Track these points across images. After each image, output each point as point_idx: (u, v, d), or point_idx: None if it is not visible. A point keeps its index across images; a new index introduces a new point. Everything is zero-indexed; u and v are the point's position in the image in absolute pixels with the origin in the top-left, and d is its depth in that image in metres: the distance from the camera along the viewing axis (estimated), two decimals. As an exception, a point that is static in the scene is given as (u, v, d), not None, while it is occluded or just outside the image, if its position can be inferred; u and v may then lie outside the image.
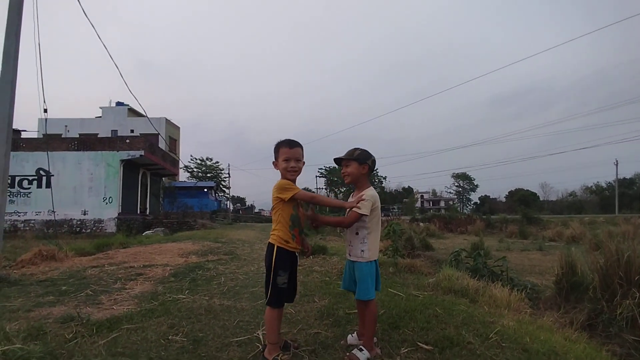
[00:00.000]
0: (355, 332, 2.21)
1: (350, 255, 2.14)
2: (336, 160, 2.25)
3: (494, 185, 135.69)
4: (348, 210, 2.10)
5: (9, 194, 19.51)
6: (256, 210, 71.40)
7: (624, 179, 61.07)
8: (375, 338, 2.12)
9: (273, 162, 2.08)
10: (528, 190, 72.15)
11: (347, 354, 1.96)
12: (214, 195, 37.09)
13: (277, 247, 1.96)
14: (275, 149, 2.08)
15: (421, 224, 27.51)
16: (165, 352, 2.07)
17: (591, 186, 68.71)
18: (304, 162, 2.09)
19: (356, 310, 2.33)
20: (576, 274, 4.99)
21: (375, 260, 2.09)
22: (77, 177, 19.18)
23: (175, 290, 3.64)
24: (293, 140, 2.07)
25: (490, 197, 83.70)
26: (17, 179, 19.14)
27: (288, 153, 2.02)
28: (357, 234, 2.09)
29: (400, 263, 5.03)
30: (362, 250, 2.06)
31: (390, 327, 2.36)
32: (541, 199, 73.88)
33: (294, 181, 2.02)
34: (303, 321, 2.60)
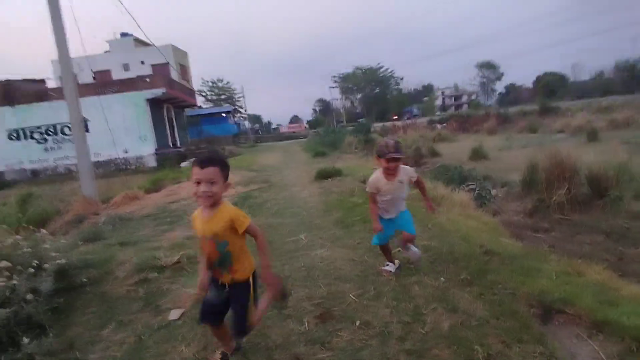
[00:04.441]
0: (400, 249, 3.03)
1: (395, 213, 2.72)
2: (383, 154, 2.54)
3: (522, 71, 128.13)
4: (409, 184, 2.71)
5: (56, 141, 21.76)
6: (274, 127, 73.31)
7: (661, 53, 56.56)
8: None
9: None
10: (557, 73, 69.32)
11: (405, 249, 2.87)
12: (232, 119, 38.60)
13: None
14: None
15: (438, 126, 28.69)
16: (254, 249, 3.94)
17: (622, 64, 64.48)
18: (228, 184, 1.78)
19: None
20: (536, 172, 6.60)
21: None
22: (112, 120, 20.77)
23: (241, 215, 5.54)
24: (209, 157, 1.73)
25: (517, 85, 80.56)
26: (59, 126, 20.95)
27: (199, 174, 1.68)
28: (403, 198, 2.76)
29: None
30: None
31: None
32: (572, 80, 70.76)
33: (209, 208, 1.75)
34: (324, 226, 4.43)
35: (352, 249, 3.55)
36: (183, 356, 2.07)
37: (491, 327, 1.97)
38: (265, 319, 2.38)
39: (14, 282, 2.43)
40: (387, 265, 2.90)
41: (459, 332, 1.96)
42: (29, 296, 2.44)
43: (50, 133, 21.20)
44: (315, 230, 4.34)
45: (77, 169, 21.89)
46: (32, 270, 2.66)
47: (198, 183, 1.68)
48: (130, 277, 3.40)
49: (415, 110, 59.43)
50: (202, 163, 1.68)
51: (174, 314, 2.57)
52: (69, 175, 19.55)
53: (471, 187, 6.46)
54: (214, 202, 1.73)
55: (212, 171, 1.68)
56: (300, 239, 4.06)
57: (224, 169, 1.75)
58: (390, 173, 2.59)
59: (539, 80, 71.42)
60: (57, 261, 2.78)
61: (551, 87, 62.13)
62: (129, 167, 21.47)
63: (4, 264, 2.46)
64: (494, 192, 6.68)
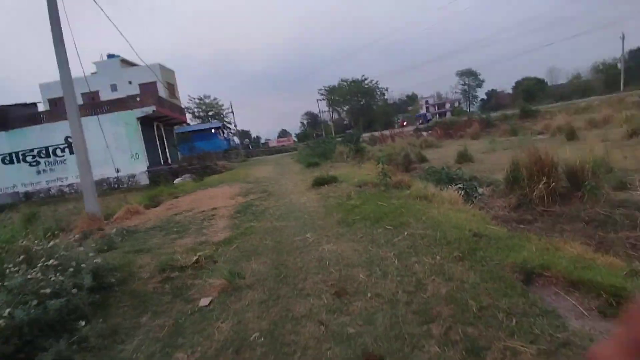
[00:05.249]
0: None
1: None
2: None
3: (502, 77, 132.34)
4: None
5: (48, 163, 21.71)
6: (263, 142, 73.80)
7: (638, 49, 58.82)
8: None
9: None
10: (534, 78, 71.97)
11: None
12: (222, 135, 38.91)
13: None
14: None
15: (424, 133, 29.57)
16: (265, 248, 4.28)
17: (598, 65, 66.80)
18: None
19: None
20: (518, 170, 7.09)
21: None
22: (103, 139, 21.02)
23: (246, 221, 5.86)
24: None
25: (497, 90, 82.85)
26: (51, 148, 21.00)
27: None
28: None
29: (389, 183, 7.12)
30: None
31: (374, 221, 4.51)
32: (549, 84, 73.37)
33: None
34: (327, 226, 4.79)
35: (356, 242, 3.91)
36: (221, 330, 2.39)
37: (482, 289, 2.34)
38: (287, 299, 2.72)
39: (61, 278, 2.72)
40: None
41: (455, 294, 2.33)
42: (74, 290, 2.73)
43: (43, 155, 21.18)
44: (320, 230, 4.69)
45: (70, 190, 21.88)
46: (71, 269, 2.95)
47: None
48: (154, 277, 3.69)
49: (429, 116, 61.41)
50: None
51: (204, 301, 2.89)
52: (61, 197, 19.52)
53: (459, 186, 6.90)
54: None
55: None
56: (307, 238, 4.41)
57: None
58: None
59: (518, 85, 74.00)
60: (95, 260, 3.07)
61: (530, 91, 64.44)
62: (121, 185, 21.52)
63: (52, 262, 2.75)
64: (480, 190, 7.13)
